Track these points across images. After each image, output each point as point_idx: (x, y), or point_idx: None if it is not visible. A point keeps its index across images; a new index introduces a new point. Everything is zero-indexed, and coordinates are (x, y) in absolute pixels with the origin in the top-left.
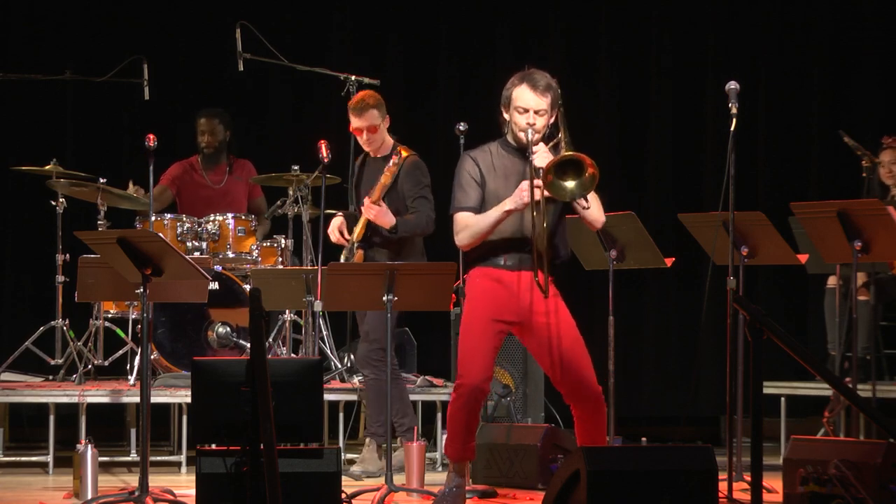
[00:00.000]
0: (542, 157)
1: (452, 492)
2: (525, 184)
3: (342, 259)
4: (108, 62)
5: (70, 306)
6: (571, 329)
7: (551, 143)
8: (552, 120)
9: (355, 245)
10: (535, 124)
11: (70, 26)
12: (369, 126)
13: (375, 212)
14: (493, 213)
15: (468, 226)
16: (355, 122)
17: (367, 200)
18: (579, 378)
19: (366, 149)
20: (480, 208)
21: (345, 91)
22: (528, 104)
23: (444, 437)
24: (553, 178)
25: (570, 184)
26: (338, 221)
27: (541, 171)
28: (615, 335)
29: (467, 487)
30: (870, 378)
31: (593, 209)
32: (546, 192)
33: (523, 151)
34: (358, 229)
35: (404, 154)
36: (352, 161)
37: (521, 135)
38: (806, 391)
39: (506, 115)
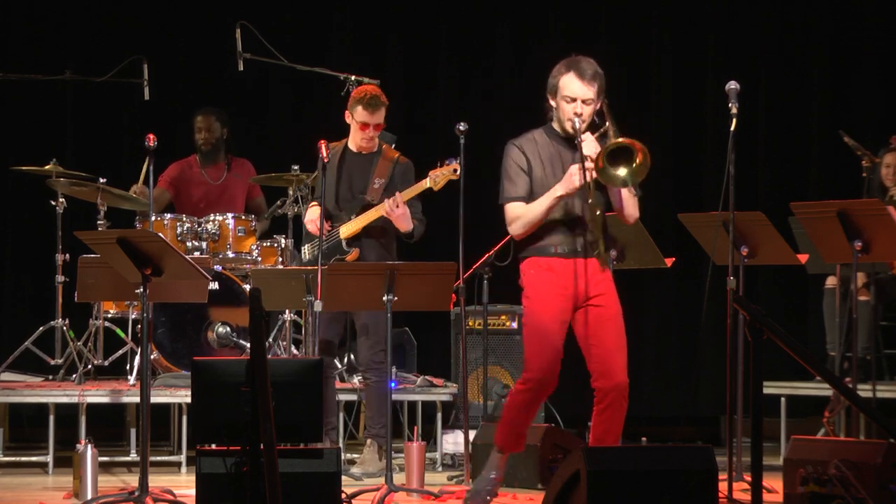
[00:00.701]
0: (589, 145)
1: (489, 480)
2: (574, 167)
3: (306, 252)
4: (108, 62)
5: (70, 306)
6: (615, 315)
7: (598, 133)
8: (598, 107)
9: (343, 243)
10: (582, 114)
11: (70, 26)
12: (378, 123)
13: (402, 212)
14: (544, 200)
15: (520, 216)
16: (366, 117)
17: (390, 201)
18: (608, 363)
19: (363, 144)
20: (530, 197)
21: (345, 91)
22: (576, 93)
23: (442, 436)
24: (605, 165)
25: (621, 171)
26: (317, 212)
27: (588, 158)
28: None
29: (467, 488)
30: (870, 378)
31: (634, 201)
32: (595, 175)
33: (570, 140)
34: (352, 227)
35: (395, 155)
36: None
37: (568, 124)
38: (806, 391)
39: (552, 103)
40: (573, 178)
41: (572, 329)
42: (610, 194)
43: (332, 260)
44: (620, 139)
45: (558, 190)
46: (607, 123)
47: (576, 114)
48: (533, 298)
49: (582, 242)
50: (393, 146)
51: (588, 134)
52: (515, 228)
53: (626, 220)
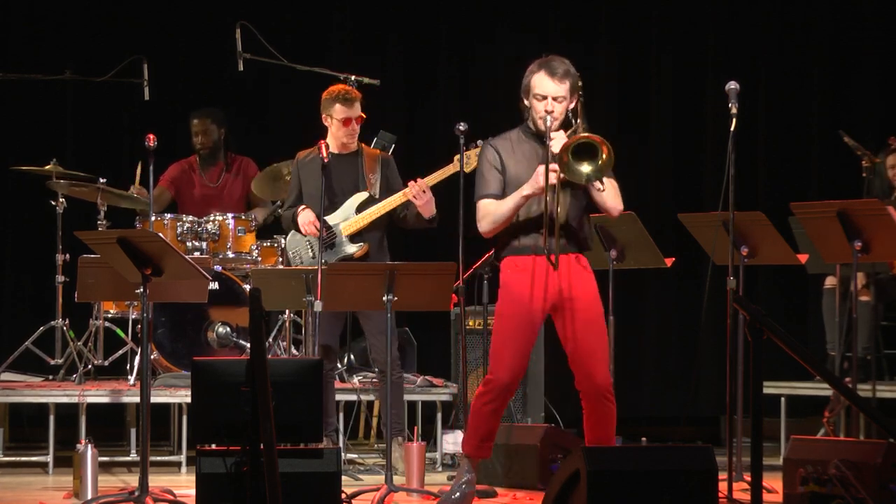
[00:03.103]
0: (559, 143)
1: (462, 489)
2: (541, 168)
3: (300, 254)
4: (108, 62)
5: (70, 306)
6: (595, 317)
7: (570, 131)
8: (571, 106)
9: (344, 240)
10: (553, 111)
11: (70, 26)
12: (358, 116)
13: (429, 197)
14: (511, 199)
15: (488, 213)
16: (348, 112)
17: (416, 187)
18: (588, 366)
19: (346, 140)
20: (502, 194)
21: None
22: (546, 91)
23: (442, 436)
24: (569, 161)
25: (585, 167)
26: (311, 215)
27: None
28: (615, 335)
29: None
30: (870, 378)
31: (610, 194)
32: (562, 175)
33: (543, 137)
34: (356, 224)
35: (377, 152)
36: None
37: (540, 122)
38: (806, 391)
39: (525, 102)
40: (539, 178)
41: (555, 329)
42: (591, 192)
43: (337, 258)
44: (584, 135)
45: (525, 189)
46: (578, 121)
47: (546, 111)
48: (504, 300)
49: (561, 242)
50: (393, 146)
51: (560, 132)
52: (483, 226)
53: (611, 213)
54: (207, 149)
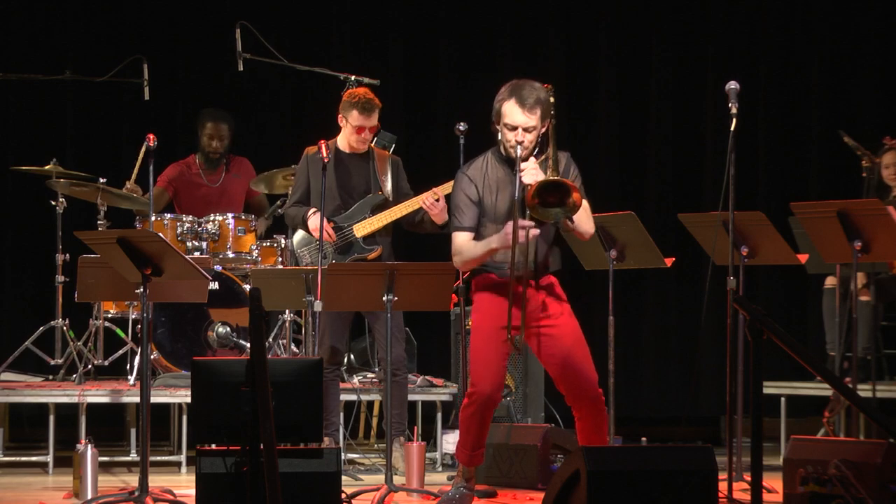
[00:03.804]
0: (529, 174)
1: (460, 492)
2: (509, 225)
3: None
4: (108, 62)
5: (70, 306)
6: (574, 330)
7: (542, 158)
8: (543, 130)
9: (360, 241)
10: (523, 141)
11: (70, 26)
12: (373, 126)
13: (443, 205)
14: (480, 247)
15: (461, 251)
16: (362, 121)
17: (430, 196)
18: (579, 379)
19: (355, 147)
20: (477, 226)
21: (344, 91)
22: (516, 121)
23: (442, 436)
24: (538, 203)
25: (554, 209)
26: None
27: (528, 188)
28: (615, 335)
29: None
30: (870, 378)
31: (581, 223)
32: (533, 232)
33: (514, 164)
34: (371, 225)
35: (387, 154)
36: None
37: (511, 150)
38: (806, 391)
39: (497, 127)
40: (508, 236)
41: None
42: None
43: (349, 259)
44: (553, 178)
45: (493, 243)
46: (549, 149)
47: (517, 141)
48: (479, 313)
49: (530, 265)
50: (393, 146)
51: (531, 160)
52: (456, 261)
53: (583, 237)
54: (218, 154)
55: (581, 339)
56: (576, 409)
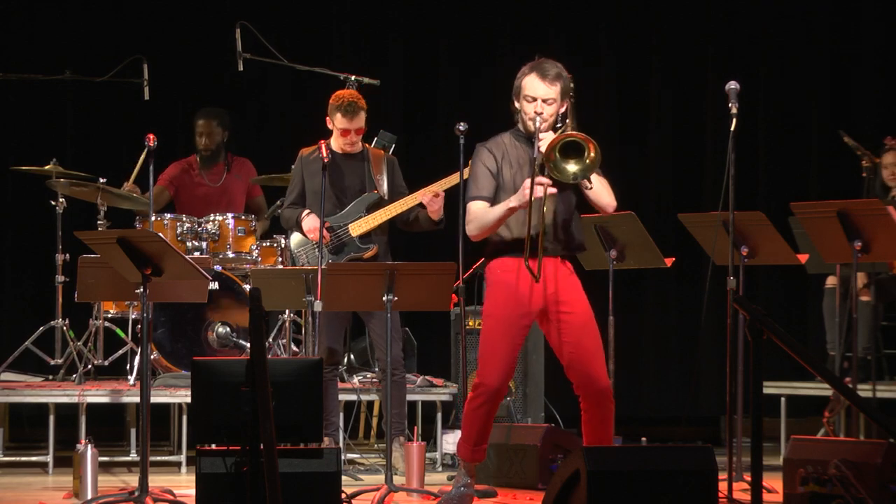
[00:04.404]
0: (546, 144)
1: (460, 491)
2: (527, 181)
3: (303, 255)
4: (108, 62)
5: (70, 306)
6: (590, 320)
7: (559, 132)
8: (562, 110)
9: (356, 240)
10: (542, 113)
11: (70, 26)
12: (358, 128)
13: (441, 202)
14: (498, 209)
15: (476, 217)
16: (346, 123)
17: (429, 193)
18: (587, 370)
19: (345, 149)
20: (495, 198)
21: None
22: (537, 93)
23: (442, 436)
24: (556, 159)
25: (572, 166)
26: (315, 221)
27: (542, 155)
28: (615, 335)
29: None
30: (870, 378)
31: (601, 192)
32: (551, 190)
33: (532, 139)
34: (367, 224)
35: (382, 153)
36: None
37: (530, 123)
38: (806, 391)
39: (516, 104)
40: (526, 192)
41: (545, 336)
42: (582, 191)
43: (345, 259)
44: (570, 133)
45: (511, 202)
46: (567, 121)
47: (536, 112)
48: (490, 302)
49: (546, 246)
50: (393, 146)
51: (549, 133)
52: (471, 229)
53: (605, 210)
54: (209, 151)
55: (595, 329)
56: (583, 400)
